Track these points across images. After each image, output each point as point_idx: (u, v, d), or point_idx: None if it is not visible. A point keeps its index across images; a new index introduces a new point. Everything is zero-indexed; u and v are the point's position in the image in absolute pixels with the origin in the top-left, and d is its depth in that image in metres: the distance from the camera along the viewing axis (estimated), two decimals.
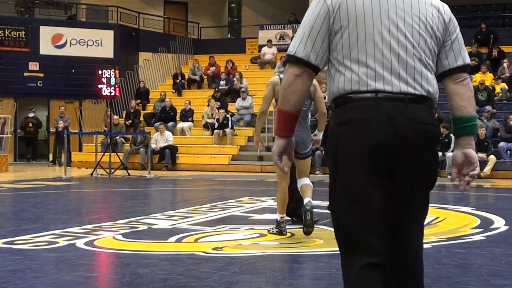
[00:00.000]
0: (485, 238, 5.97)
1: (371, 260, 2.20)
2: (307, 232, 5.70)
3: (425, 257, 2.40)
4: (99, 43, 21.59)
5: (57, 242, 5.54)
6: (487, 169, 14.42)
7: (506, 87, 17.50)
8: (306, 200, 5.69)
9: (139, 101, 20.69)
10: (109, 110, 16.95)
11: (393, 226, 2.28)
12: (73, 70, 20.94)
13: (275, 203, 6.36)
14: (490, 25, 21.43)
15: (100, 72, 14.90)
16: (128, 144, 18.06)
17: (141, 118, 19.59)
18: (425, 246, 2.47)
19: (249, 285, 4.06)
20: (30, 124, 20.50)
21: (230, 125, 17.74)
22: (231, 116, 18.27)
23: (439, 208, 8.02)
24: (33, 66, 20.85)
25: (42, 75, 20.90)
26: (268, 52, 22.42)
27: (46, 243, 5.50)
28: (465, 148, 2.35)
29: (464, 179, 2.35)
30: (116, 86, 14.96)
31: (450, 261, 4.81)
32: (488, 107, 16.32)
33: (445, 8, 2.37)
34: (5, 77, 20.23)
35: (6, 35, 20.68)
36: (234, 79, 20.40)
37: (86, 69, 19.77)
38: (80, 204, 9.52)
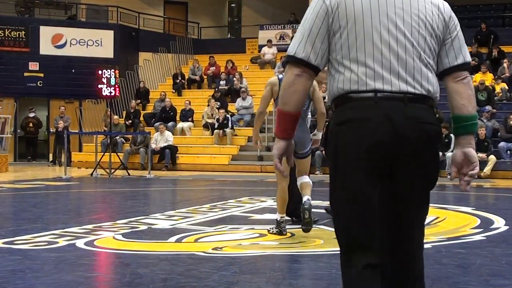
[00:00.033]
0: (485, 238, 5.97)
1: (371, 260, 2.20)
2: (306, 230, 5.73)
3: (425, 257, 2.39)
4: (99, 43, 21.59)
5: (57, 242, 5.54)
6: (487, 169, 14.42)
7: (506, 87, 17.50)
8: (304, 198, 5.73)
9: (139, 101, 20.69)
10: (109, 110, 16.95)
11: (393, 226, 2.28)
12: (73, 70, 20.94)
13: (275, 203, 6.36)
14: (490, 25, 21.43)
15: (100, 72, 14.90)
16: (128, 144, 18.06)
17: (141, 118, 19.58)
18: (425, 246, 2.47)
19: (249, 285, 4.06)
20: (31, 124, 20.51)
21: (230, 125, 17.74)
22: (231, 116, 18.28)
23: (439, 208, 8.02)
24: (33, 66, 20.85)
25: (42, 75, 20.90)
26: (268, 52, 22.42)
27: (46, 243, 5.50)
28: (465, 147, 2.34)
29: (463, 178, 2.35)
30: (116, 86, 14.96)
31: (450, 261, 4.81)
32: (488, 107, 16.32)
33: (445, 6, 2.36)
34: (5, 77, 20.23)
35: (6, 35, 20.68)
36: (234, 79, 20.40)
37: (86, 69, 19.78)
38: (80, 204, 9.52)
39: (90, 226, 6.48)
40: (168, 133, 17.66)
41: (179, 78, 21.87)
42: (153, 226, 6.56)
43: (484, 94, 16.68)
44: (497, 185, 13.01)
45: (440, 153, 2.05)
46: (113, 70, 14.99)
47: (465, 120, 2.33)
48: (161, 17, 25.48)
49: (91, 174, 14.69)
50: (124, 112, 20.16)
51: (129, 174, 14.97)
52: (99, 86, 14.83)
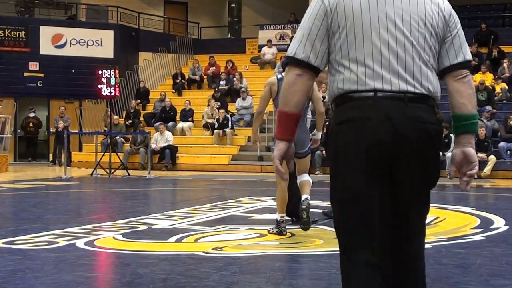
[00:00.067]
0: (485, 238, 5.97)
1: (371, 260, 2.19)
2: (304, 229, 5.82)
3: (425, 257, 2.39)
4: (99, 43, 21.59)
5: (57, 242, 5.54)
6: (487, 169, 14.42)
7: (506, 87, 17.50)
8: (303, 198, 5.77)
9: (139, 101, 20.69)
10: (109, 110, 16.95)
11: (393, 226, 2.27)
12: (73, 70, 20.94)
13: (275, 203, 6.36)
14: (490, 25, 21.43)
15: (100, 72, 14.90)
16: (128, 144, 18.06)
17: (141, 118, 19.59)
18: (425, 246, 2.46)
19: (249, 285, 4.06)
20: (31, 124, 20.51)
21: (230, 125, 17.74)
22: (231, 116, 18.28)
23: (439, 208, 8.02)
24: (33, 66, 20.85)
25: (42, 75, 20.90)
26: (268, 52, 22.42)
27: (46, 243, 5.50)
28: (464, 146, 2.33)
29: (463, 178, 2.34)
30: (116, 86, 14.96)
31: (450, 261, 4.81)
32: (488, 107, 16.32)
33: (445, 4, 2.34)
34: (5, 77, 20.23)
35: (6, 35, 20.69)
36: (234, 79, 20.40)
37: (86, 69, 19.78)
38: (80, 204, 9.52)
39: (90, 226, 6.48)
40: (168, 133, 17.66)
41: (179, 78, 21.87)
42: (153, 226, 6.55)
43: (484, 94, 16.68)
44: (497, 185, 13.01)
45: (440, 153, 2.03)
46: (113, 70, 14.99)
47: (465, 119, 2.31)
48: (161, 17, 25.48)
49: (91, 174, 14.69)
50: (124, 112, 20.16)
51: (129, 174, 14.97)
52: (99, 86, 14.83)
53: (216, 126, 17.83)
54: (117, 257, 5.14)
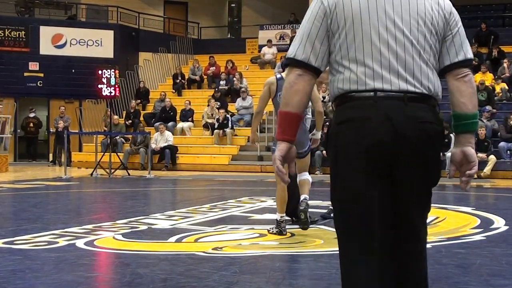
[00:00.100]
0: (485, 238, 5.97)
1: (371, 260, 2.19)
2: (304, 228, 5.89)
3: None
4: (99, 43, 21.59)
5: (57, 242, 5.54)
6: (487, 169, 14.42)
7: (506, 87, 17.50)
8: (302, 198, 5.80)
9: (139, 101, 20.69)
10: (109, 110, 16.95)
11: (393, 226, 2.26)
12: (73, 70, 20.94)
13: (275, 203, 6.36)
14: (490, 25, 21.43)
15: (100, 72, 14.90)
16: (128, 144, 18.06)
17: (141, 118, 19.59)
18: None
19: (249, 285, 4.06)
20: (31, 124, 20.51)
21: (230, 125, 17.74)
22: (231, 116, 18.28)
23: (439, 208, 8.01)
24: (33, 66, 20.85)
25: (42, 75, 20.90)
26: (268, 52, 22.42)
27: (46, 243, 5.50)
28: (464, 146, 2.32)
29: (462, 178, 2.33)
30: (116, 86, 14.96)
31: (450, 261, 4.81)
32: (488, 107, 16.32)
33: (446, 2, 2.33)
34: (5, 77, 20.23)
35: (6, 35, 20.68)
36: (234, 79, 20.41)
37: (86, 69, 19.77)
38: (80, 204, 9.52)
39: (90, 226, 6.48)
40: (168, 133, 17.66)
41: (179, 78, 21.87)
42: (153, 226, 6.55)
43: (484, 94, 16.68)
44: (497, 185, 13.01)
45: (440, 153, 2.03)
46: (113, 70, 14.99)
47: (465, 119, 2.30)
48: (161, 17, 25.48)
49: (91, 174, 14.69)
50: (124, 112, 20.16)
51: (129, 174, 14.97)
52: (99, 86, 14.84)
53: (216, 126, 17.83)
54: (117, 257, 5.14)
